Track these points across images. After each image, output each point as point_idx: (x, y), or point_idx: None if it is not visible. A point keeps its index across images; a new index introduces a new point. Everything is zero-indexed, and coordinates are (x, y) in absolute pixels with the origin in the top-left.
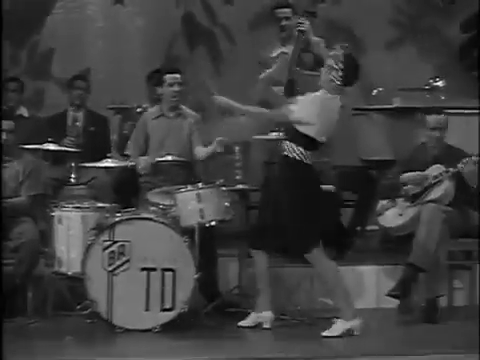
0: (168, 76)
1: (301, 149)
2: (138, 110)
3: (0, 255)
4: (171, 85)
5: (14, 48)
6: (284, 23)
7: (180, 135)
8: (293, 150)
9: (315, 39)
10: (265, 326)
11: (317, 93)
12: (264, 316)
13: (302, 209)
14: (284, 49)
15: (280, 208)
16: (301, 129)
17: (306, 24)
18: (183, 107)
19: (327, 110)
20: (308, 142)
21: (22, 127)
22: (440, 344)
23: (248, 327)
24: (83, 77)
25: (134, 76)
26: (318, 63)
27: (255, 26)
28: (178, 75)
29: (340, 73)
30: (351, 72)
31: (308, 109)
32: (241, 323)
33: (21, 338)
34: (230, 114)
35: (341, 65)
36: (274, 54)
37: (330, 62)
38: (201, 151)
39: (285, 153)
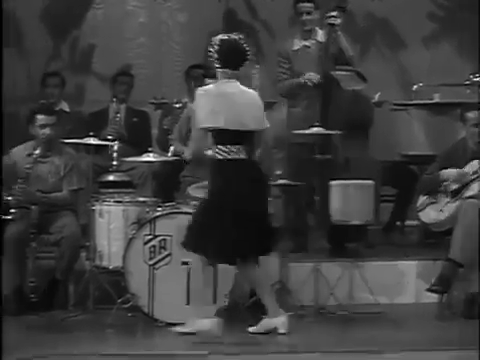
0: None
1: (219, 146)
2: (177, 105)
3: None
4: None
5: (55, 43)
6: (305, 17)
7: None
8: (213, 149)
9: (343, 37)
10: (281, 331)
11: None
12: (277, 322)
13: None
14: (306, 43)
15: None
16: (203, 125)
17: (338, 19)
18: None
19: (217, 96)
20: (218, 135)
21: (63, 122)
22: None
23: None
24: (127, 72)
25: (174, 72)
26: (345, 58)
27: (293, 21)
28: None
29: (216, 56)
30: (226, 55)
31: (197, 104)
32: (251, 329)
33: (62, 331)
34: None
35: (216, 48)
36: (296, 47)
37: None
38: None
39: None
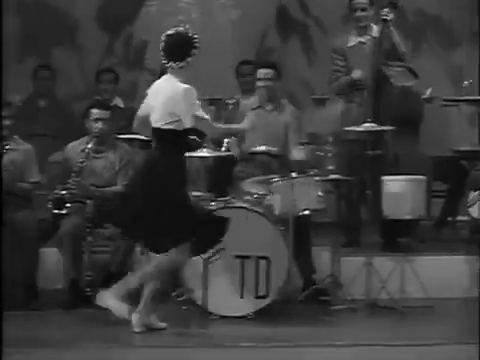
0: (260, 71)
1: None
2: (230, 101)
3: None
4: (259, 79)
5: (109, 40)
6: (359, 14)
7: (276, 128)
8: None
9: (395, 32)
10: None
11: None
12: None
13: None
14: (361, 39)
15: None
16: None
17: (391, 14)
18: (282, 101)
19: (150, 93)
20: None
21: (117, 118)
22: None
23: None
24: None
25: (226, 68)
26: (397, 54)
27: (346, 18)
28: (270, 70)
29: (162, 53)
30: (169, 49)
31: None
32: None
33: (118, 324)
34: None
35: (162, 44)
36: (351, 44)
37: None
38: (296, 153)
39: None
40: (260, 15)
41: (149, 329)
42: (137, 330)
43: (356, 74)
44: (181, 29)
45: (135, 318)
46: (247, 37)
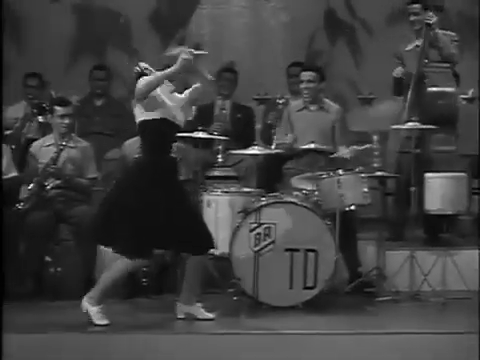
0: (303, 73)
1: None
2: (280, 101)
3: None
4: (302, 81)
5: (162, 42)
6: (413, 18)
7: (322, 127)
8: None
9: (441, 32)
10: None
11: None
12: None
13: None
14: (418, 43)
15: None
16: None
17: (433, 18)
18: (326, 100)
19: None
20: None
21: None
22: None
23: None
24: (231, 69)
25: (277, 69)
26: (444, 56)
27: (392, 20)
28: (313, 73)
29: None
30: None
31: None
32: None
33: (170, 313)
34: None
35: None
36: (409, 48)
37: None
38: (343, 152)
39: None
40: (309, 18)
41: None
42: (180, 316)
43: (396, 72)
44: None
45: (177, 307)
46: (297, 39)
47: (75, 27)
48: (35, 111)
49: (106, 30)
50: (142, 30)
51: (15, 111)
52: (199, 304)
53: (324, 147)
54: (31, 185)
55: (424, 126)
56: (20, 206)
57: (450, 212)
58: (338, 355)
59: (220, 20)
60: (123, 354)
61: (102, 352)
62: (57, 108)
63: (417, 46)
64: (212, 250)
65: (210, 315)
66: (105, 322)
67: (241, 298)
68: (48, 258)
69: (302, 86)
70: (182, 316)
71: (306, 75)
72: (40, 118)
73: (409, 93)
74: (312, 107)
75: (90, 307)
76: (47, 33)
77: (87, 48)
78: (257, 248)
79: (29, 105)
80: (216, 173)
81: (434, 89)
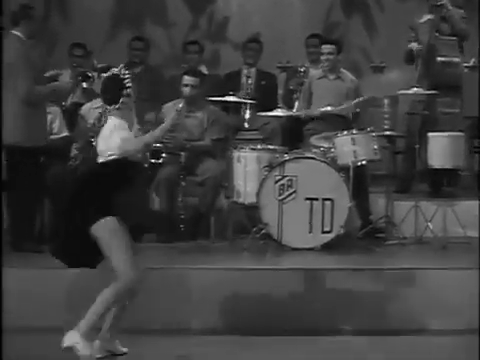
0: (323, 46)
1: None
2: (300, 69)
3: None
4: (322, 53)
5: (194, 16)
6: None
7: (339, 93)
8: None
9: (451, 10)
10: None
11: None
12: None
13: None
14: (430, 16)
15: None
16: None
17: None
18: (343, 71)
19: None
20: None
21: (203, 83)
22: None
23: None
24: (256, 40)
25: (297, 39)
26: (455, 31)
27: None
28: (332, 45)
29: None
30: (105, 95)
31: None
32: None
33: (205, 255)
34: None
35: (101, 89)
36: (422, 20)
37: None
38: (348, 104)
39: None
40: None
41: (112, 353)
42: (99, 356)
43: (412, 46)
44: (114, 70)
45: (96, 345)
46: (315, 13)
47: (115, 1)
48: (80, 78)
49: (143, 4)
50: (176, 5)
51: (61, 79)
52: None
53: (338, 109)
54: (79, 143)
55: (428, 91)
56: (71, 162)
57: (449, 167)
58: (351, 288)
59: None
60: (163, 287)
61: (154, 287)
62: (103, 76)
63: (430, 19)
64: (241, 199)
65: (124, 350)
66: (124, 350)
67: (267, 241)
68: None
69: (322, 58)
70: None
71: (326, 48)
72: (84, 84)
73: (420, 62)
74: (330, 76)
75: (77, 340)
76: (90, 6)
77: (126, 20)
78: (281, 197)
79: (74, 72)
80: (244, 136)
81: (442, 59)
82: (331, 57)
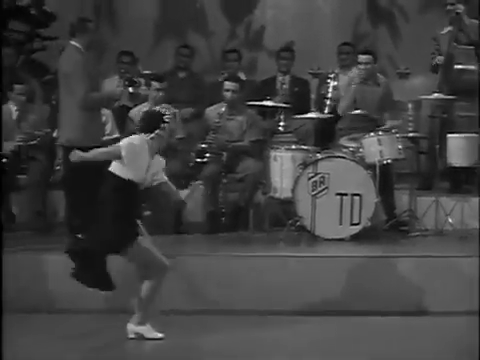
0: (361, 56)
1: None
2: (331, 75)
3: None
4: (360, 63)
5: (233, 25)
6: (448, 8)
7: (372, 98)
8: None
9: (468, 21)
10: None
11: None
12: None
13: None
14: (450, 28)
15: None
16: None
17: (461, 8)
18: (379, 76)
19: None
20: None
21: (242, 88)
22: None
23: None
24: (289, 49)
25: (328, 48)
26: (471, 40)
27: (425, 8)
28: (369, 56)
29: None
30: (143, 124)
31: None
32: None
33: (244, 245)
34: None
35: (140, 119)
36: (443, 32)
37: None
38: (388, 117)
39: None
40: (354, 5)
41: (142, 337)
42: (131, 336)
43: (438, 59)
44: (158, 108)
45: (129, 327)
46: (344, 23)
47: (159, 11)
48: (127, 83)
49: (185, 14)
50: (215, 15)
51: (110, 84)
52: (148, 325)
53: (367, 113)
54: None
55: (447, 96)
56: None
57: (466, 165)
58: (378, 274)
59: (280, 6)
60: (207, 272)
61: (201, 272)
62: (153, 83)
63: (450, 31)
64: (278, 195)
65: (159, 335)
66: (160, 336)
67: (301, 232)
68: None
69: (360, 67)
70: (133, 336)
71: (364, 58)
72: (130, 89)
73: (440, 70)
74: (367, 83)
75: (140, 327)
76: (136, 17)
77: (169, 30)
78: (314, 193)
79: (122, 78)
80: (279, 138)
81: (460, 66)
82: (368, 66)
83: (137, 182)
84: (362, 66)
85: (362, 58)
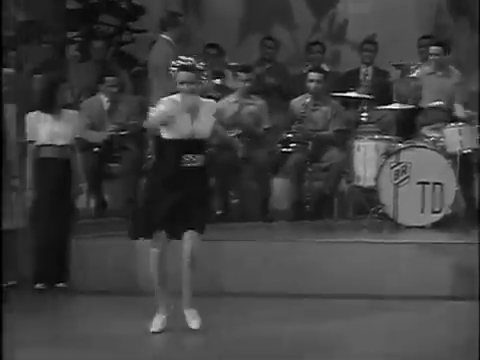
0: (432, 48)
1: None
2: (412, 67)
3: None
4: (431, 54)
5: (317, 18)
6: None
7: (445, 89)
8: None
9: None
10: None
11: None
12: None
13: None
14: None
15: None
16: None
17: None
18: (450, 68)
19: None
20: None
21: (326, 79)
22: None
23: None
24: (371, 41)
25: (409, 40)
26: None
27: None
28: (439, 47)
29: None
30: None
31: None
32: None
33: (328, 232)
34: None
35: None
36: None
37: None
38: (458, 108)
39: None
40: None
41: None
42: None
43: None
44: (191, 60)
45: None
46: (425, 16)
47: (244, 4)
48: (214, 75)
49: (270, 7)
50: (300, 8)
51: None
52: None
53: (445, 104)
54: None
55: None
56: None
57: None
58: (458, 259)
59: (362, 1)
60: (293, 256)
61: (286, 257)
62: (240, 74)
63: None
64: (361, 183)
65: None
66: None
67: (384, 220)
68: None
69: (430, 58)
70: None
71: (434, 49)
72: (218, 81)
73: None
74: (438, 73)
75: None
76: (222, 10)
77: (255, 23)
78: (396, 181)
79: (209, 71)
80: (363, 128)
81: None
82: (437, 57)
83: None
84: (432, 57)
85: (433, 49)
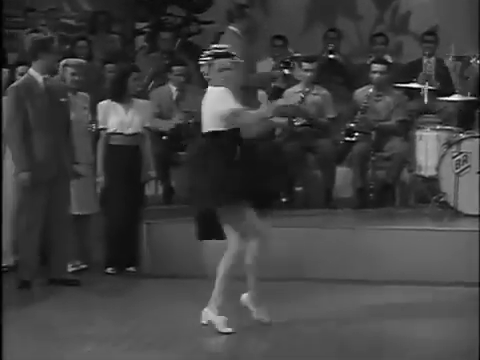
0: None
1: None
2: (473, 60)
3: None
4: None
5: (380, 10)
6: None
7: None
8: None
9: None
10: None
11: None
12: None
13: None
14: None
15: None
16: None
17: None
18: None
19: None
20: None
21: (389, 70)
22: None
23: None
24: (433, 32)
25: (470, 32)
26: None
27: None
28: None
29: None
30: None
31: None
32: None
33: (391, 219)
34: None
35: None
36: None
37: None
38: None
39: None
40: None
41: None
42: (204, 322)
43: None
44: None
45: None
46: None
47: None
48: (282, 66)
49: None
50: (364, 1)
51: (262, 66)
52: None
53: None
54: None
55: None
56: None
57: None
58: None
59: None
60: (356, 244)
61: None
62: (304, 64)
63: None
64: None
65: (227, 330)
66: (229, 330)
67: (445, 208)
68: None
69: None
70: (205, 322)
71: None
72: (286, 71)
73: None
74: None
75: (213, 316)
76: (288, 2)
77: (319, 14)
78: (457, 171)
79: (275, 61)
80: (424, 119)
81: None
82: None
83: None
84: None
85: None
